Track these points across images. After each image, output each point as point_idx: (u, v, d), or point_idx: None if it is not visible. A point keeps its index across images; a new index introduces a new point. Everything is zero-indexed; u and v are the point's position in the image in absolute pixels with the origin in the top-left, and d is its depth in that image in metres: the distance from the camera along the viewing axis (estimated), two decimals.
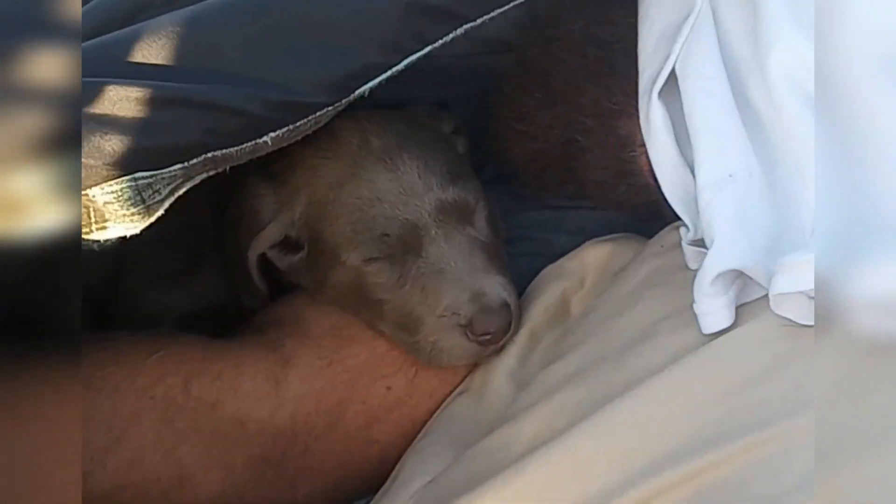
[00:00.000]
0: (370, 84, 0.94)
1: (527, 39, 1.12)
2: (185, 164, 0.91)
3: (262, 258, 1.12)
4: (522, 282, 1.11)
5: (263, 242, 1.10)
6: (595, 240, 1.12)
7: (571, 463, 0.87)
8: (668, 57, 0.95)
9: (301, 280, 1.14)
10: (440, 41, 0.94)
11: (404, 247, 1.05)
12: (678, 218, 0.99)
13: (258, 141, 0.93)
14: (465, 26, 0.93)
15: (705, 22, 0.96)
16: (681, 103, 0.95)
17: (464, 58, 1.20)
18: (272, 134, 0.93)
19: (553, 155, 1.10)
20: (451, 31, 0.94)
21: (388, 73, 0.94)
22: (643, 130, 0.97)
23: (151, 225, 1.19)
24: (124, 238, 1.21)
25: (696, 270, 0.92)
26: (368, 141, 1.08)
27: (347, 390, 1.08)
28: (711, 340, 0.88)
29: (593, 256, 1.10)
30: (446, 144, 1.12)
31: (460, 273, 1.04)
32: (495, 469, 0.93)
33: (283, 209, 1.09)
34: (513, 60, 1.13)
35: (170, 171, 0.91)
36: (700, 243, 0.94)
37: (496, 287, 1.05)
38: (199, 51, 0.93)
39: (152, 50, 0.93)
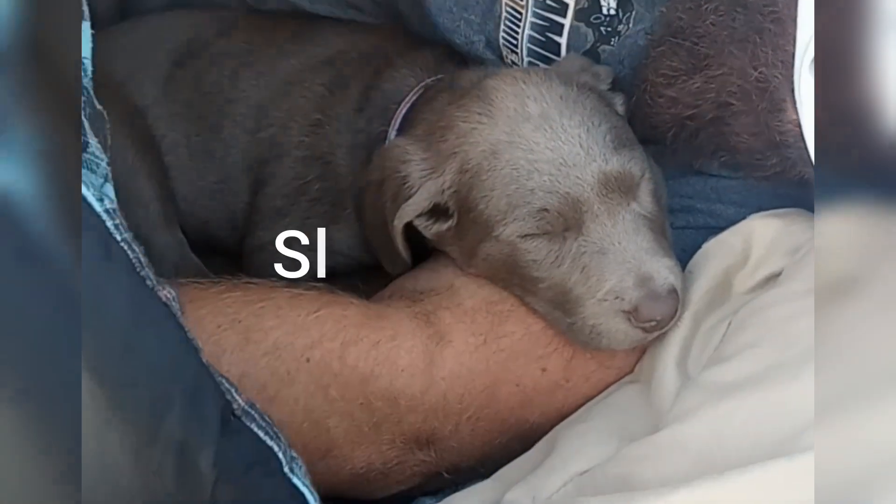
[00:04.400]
0: None
1: (674, 2, 1.05)
2: None
3: (408, 226, 1.06)
4: (684, 258, 1.05)
5: (411, 211, 1.05)
6: (762, 213, 1.04)
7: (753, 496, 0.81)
8: None
9: (447, 249, 1.08)
10: None
11: (564, 223, 0.99)
12: None
13: None
14: None
15: None
16: None
17: None
18: None
19: (704, 120, 1.03)
20: None
21: None
22: (796, 102, 0.91)
23: (288, 177, 1.17)
24: (256, 191, 1.18)
25: None
26: (526, 105, 1.01)
27: (501, 371, 1.04)
28: None
29: (759, 232, 1.03)
30: (608, 108, 1.05)
31: (625, 254, 0.98)
32: (659, 476, 0.88)
33: (432, 176, 1.04)
34: (658, 22, 1.06)
35: None
36: None
37: (663, 271, 0.99)
38: None
39: None
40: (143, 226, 1.18)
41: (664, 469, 0.88)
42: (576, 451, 0.98)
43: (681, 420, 0.90)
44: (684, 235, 1.08)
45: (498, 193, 1.00)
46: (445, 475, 1.05)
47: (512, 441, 1.05)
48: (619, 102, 1.09)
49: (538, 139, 1.00)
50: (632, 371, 1.06)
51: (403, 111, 1.14)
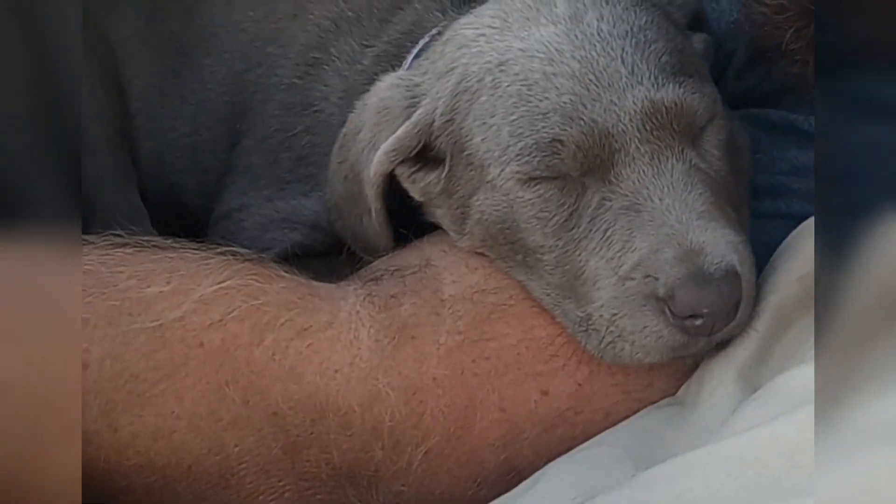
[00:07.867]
0: None
1: None
2: None
3: (389, 183, 0.82)
4: (769, 253, 0.78)
5: (392, 152, 0.80)
6: None
7: None
8: None
9: (437, 214, 0.83)
10: None
11: (584, 164, 0.75)
12: None
13: None
14: None
15: None
16: None
17: None
18: None
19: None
20: None
21: None
22: None
23: (270, 128, 0.98)
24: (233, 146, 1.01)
25: None
26: (554, 5, 0.79)
27: (483, 387, 0.78)
28: None
29: None
30: (675, 29, 0.80)
31: (666, 216, 0.73)
32: None
33: (421, 102, 0.80)
34: None
35: None
36: None
37: (720, 244, 0.72)
38: None
39: None
40: (88, 177, 0.97)
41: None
42: (572, 480, 0.72)
43: (735, 436, 0.63)
44: (770, 226, 0.81)
45: (499, 119, 0.77)
46: None
47: (489, 494, 0.76)
48: (698, 40, 0.84)
49: (563, 46, 0.77)
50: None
51: (418, 48, 0.89)
